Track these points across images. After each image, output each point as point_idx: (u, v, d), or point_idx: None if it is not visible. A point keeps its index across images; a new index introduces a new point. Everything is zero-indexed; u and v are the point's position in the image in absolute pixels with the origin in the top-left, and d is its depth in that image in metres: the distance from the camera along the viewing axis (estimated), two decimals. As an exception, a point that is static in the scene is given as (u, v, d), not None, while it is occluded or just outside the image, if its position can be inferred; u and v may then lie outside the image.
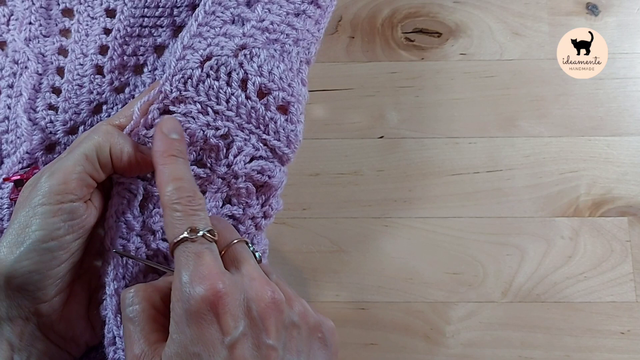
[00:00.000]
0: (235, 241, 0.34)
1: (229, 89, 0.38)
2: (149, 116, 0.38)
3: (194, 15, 0.40)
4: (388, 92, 0.49)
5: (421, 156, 0.48)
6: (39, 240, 0.33)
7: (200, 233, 0.32)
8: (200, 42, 0.39)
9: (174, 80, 0.38)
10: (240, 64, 0.39)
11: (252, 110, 0.39)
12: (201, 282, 0.30)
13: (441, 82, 0.49)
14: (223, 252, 0.33)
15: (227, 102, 0.38)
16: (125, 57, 0.44)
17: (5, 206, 0.42)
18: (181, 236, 0.32)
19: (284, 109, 0.40)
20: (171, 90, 0.38)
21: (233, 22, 0.40)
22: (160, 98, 0.38)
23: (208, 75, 0.38)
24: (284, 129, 0.39)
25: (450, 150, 0.48)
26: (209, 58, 0.38)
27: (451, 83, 0.49)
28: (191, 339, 0.29)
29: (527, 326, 0.46)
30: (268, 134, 0.39)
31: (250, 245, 0.36)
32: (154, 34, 0.45)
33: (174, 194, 0.33)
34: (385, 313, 0.46)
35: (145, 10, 0.45)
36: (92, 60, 0.44)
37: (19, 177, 0.42)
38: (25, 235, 0.33)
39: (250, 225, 0.41)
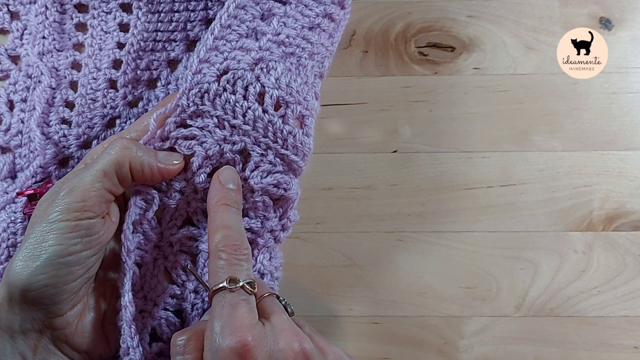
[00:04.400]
0: (266, 294, 0.34)
1: (245, 102, 0.37)
2: (165, 128, 0.36)
3: (210, 28, 0.38)
4: (401, 107, 0.47)
5: (434, 170, 0.46)
6: (56, 254, 0.31)
7: (240, 284, 0.32)
8: (216, 55, 0.37)
9: (190, 94, 0.36)
10: (257, 78, 0.37)
11: (269, 124, 0.37)
12: (231, 334, 0.29)
13: (454, 97, 0.47)
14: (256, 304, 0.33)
15: (244, 116, 0.37)
16: (138, 72, 0.43)
17: (19, 220, 0.41)
18: (220, 285, 0.32)
19: (299, 122, 0.39)
20: (188, 104, 0.36)
21: (249, 35, 0.38)
22: (177, 112, 0.36)
23: (225, 89, 0.36)
24: (301, 143, 0.38)
25: (464, 165, 0.46)
26: (225, 72, 0.37)
27: (465, 97, 0.47)
28: None
29: (541, 340, 0.44)
30: (287, 149, 0.38)
31: (282, 299, 0.35)
32: (168, 49, 0.43)
33: (221, 242, 0.33)
34: (399, 327, 0.44)
35: (159, 24, 0.43)
36: (106, 74, 0.43)
37: (32, 191, 0.40)
38: (42, 250, 0.31)
39: (269, 238, 0.39)
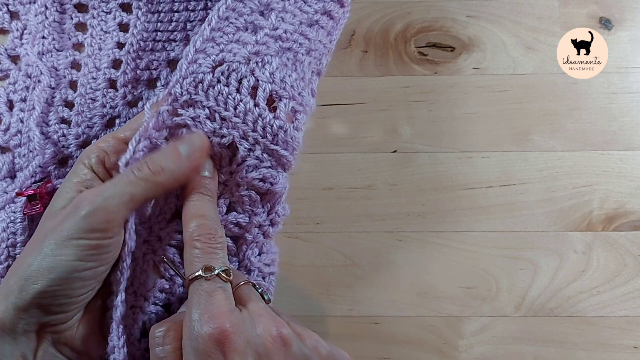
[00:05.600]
0: (242, 283, 0.33)
1: (238, 95, 0.36)
2: (159, 118, 0.35)
3: (207, 20, 0.37)
4: (401, 107, 0.46)
5: (434, 170, 0.45)
6: (74, 269, 0.31)
7: (215, 272, 0.31)
8: (212, 47, 0.36)
9: (184, 83, 0.35)
10: (252, 71, 0.36)
11: (259, 118, 0.36)
12: (209, 321, 0.29)
13: (454, 97, 0.46)
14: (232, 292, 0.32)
15: (235, 108, 0.36)
16: (138, 71, 0.42)
17: (19, 220, 0.40)
18: (196, 274, 0.31)
19: (290, 117, 0.38)
20: (181, 92, 0.36)
21: (246, 29, 0.38)
22: (169, 100, 0.36)
23: (219, 81, 0.36)
24: (291, 138, 0.38)
25: (464, 165, 0.46)
26: (220, 63, 0.36)
27: (464, 97, 0.47)
28: None
29: (540, 340, 0.43)
30: (277, 144, 0.37)
31: (257, 287, 0.34)
32: (167, 48, 0.43)
33: (195, 231, 0.32)
34: (399, 327, 0.43)
35: (159, 24, 0.43)
36: (105, 74, 0.42)
37: (32, 192, 0.40)
38: (60, 262, 0.31)
39: (258, 233, 0.39)
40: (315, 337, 0.32)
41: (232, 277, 0.32)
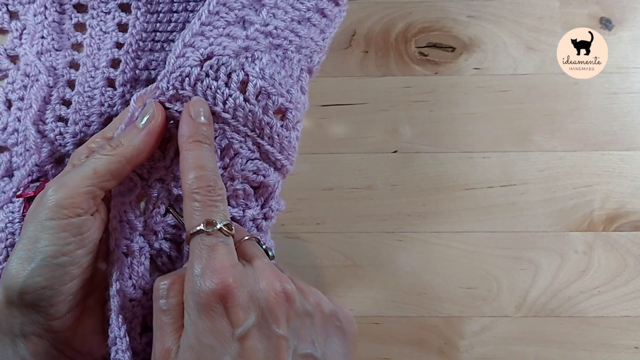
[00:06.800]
0: (246, 238, 0.33)
1: (227, 90, 0.35)
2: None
3: (197, 14, 0.36)
4: (402, 107, 0.46)
5: (435, 171, 0.45)
6: (50, 255, 0.30)
7: (218, 226, 0.30)
8: (202, 40, 0.35)
9: (171, 77, 0.35)
10: (242, 66, 0.36)
11: (250, 114, 0.36)
12: (212, 275, 0.28)
13: (455, 97, 0.46)
14: (235, 248, 0.31)
15: (224, 103, 0.35)
16: (137, 71, 0.42)
17: (17, 220, 0.40)
18: (197, 228, 0.30)
19: (281, 114, 0.37)
20: (167, 87, 0.35)
21: (237, 24, 0.37)
22: (156, 94, 0.35)
23: (207, 75, 0.35)
24: (278, 135, 0.37)
25: (464, 165, 0.45)
26: (209, 57, 0.35)
27: (465, 97, 0.46)
28: (203, 331, 0.28)
29: (541, 340, 0.43)
30: (262, 139, 0.37)
31: (262, 243, 0.33)
32: (166, 49, 0.42)
33: (194, 183, 0.31)
34: (399, 327, 0.43)
35: (158, 25, 0.42)
36: (104, 73, 0.42)
37: (32, 194, 0.39)
38: (36, 251, 0.30)
39: (252, 226, 0.38)
40: (319, 295, 0.31)
41: (234, 231, 0.31)
